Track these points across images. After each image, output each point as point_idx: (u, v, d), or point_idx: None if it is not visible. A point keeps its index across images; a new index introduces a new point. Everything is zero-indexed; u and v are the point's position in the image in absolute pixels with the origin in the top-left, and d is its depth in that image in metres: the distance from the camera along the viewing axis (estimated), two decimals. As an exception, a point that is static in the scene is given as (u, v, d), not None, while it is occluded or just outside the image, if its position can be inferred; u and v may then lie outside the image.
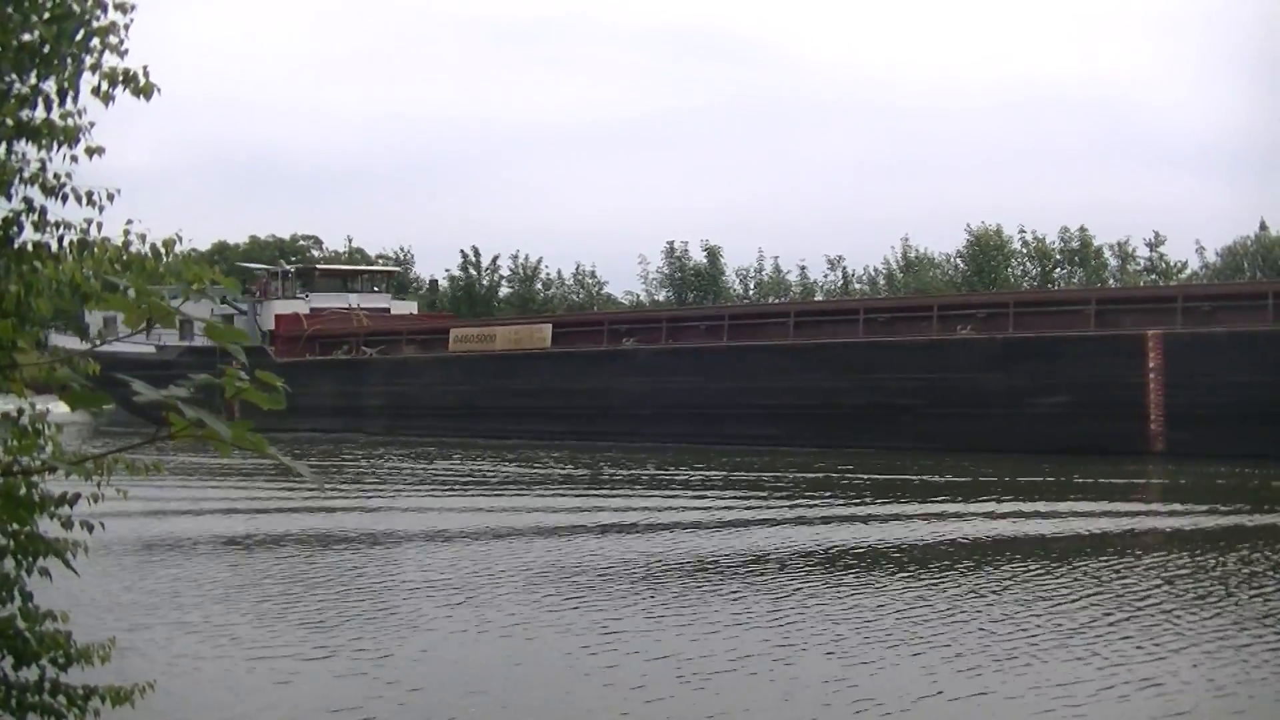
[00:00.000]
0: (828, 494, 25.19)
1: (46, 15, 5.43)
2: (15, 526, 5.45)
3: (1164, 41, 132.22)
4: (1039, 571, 16.04)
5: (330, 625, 13.32)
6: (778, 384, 35.58)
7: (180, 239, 5.82)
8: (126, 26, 5.67)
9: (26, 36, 5.44)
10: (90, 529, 6.03)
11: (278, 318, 50.93)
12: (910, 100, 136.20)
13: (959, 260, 71.30)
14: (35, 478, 5.37)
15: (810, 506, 22.98)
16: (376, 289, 56.19)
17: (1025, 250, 70.04)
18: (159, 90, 5.76)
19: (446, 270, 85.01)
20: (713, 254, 75.20)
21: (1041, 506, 22.69)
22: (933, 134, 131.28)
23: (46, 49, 5.48)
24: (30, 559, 5.55)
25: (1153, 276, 68.46)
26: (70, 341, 54.03)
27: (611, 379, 38.98)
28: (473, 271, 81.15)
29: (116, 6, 5.59)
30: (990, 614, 13.59)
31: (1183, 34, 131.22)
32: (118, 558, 17.16)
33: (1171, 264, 69.72)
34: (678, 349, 38.88)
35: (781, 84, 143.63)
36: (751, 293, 75.31)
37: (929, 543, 18.62)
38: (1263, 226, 71.35)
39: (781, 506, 23.03)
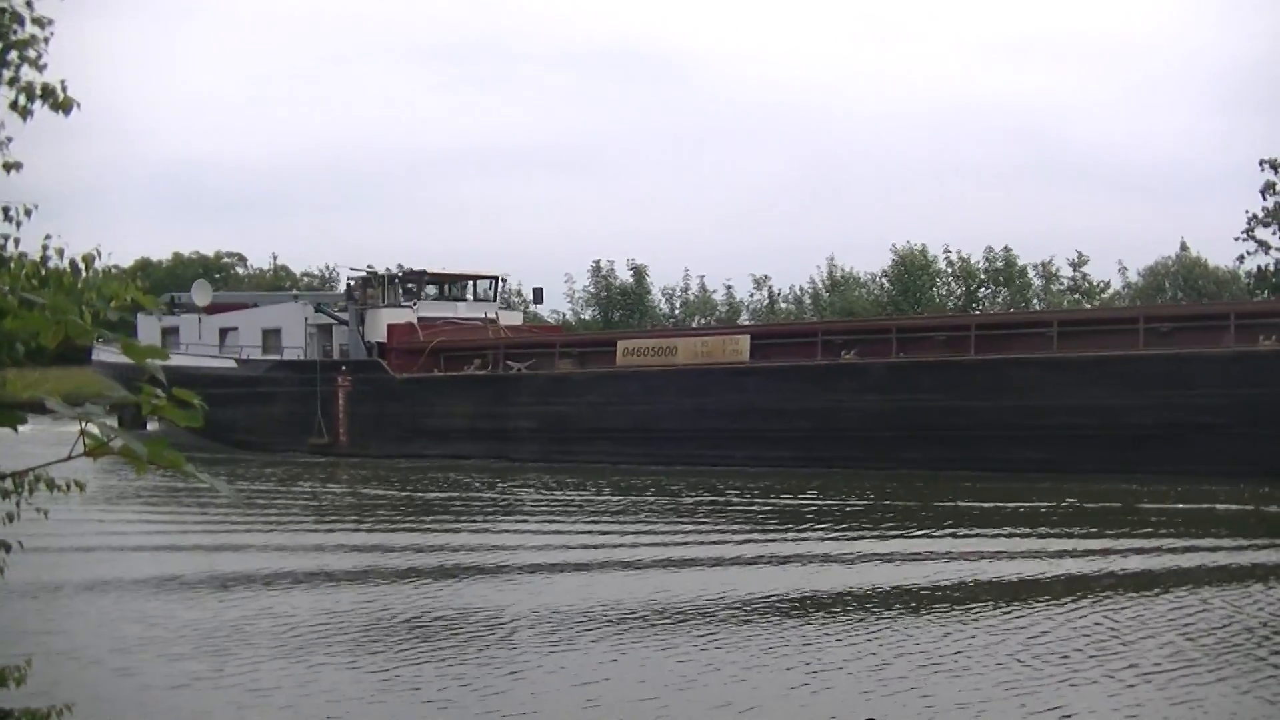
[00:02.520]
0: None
1: (-37, 30, 5.35)
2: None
3: (1092, 66, 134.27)
4: None
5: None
6: (1045, 401, 31.87)
7: (100, 254, 5.75)
8: (46, 40, 5.60)
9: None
10: (8, 549, 5.92)
11: (390, 328, 44.37)
12: (838, 121, 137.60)
13: (884, 280, 71.89)
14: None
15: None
16: (482, 297, 49.00)
17: (950, 270, 70.82)
18: (79, 105, 5.70)
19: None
20: (639, 273, 75.46)
21: None
22: (860, 155, 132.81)
23: (-37, 63, 5.40)
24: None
25: (1076, 296, 69.52)
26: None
27: (836, 397, 34.75)
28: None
29: (34, 21, 5.53)
30: None
31: (1111, 60, 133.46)
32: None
33: (1095, 284, 70.86)
34: (917, 363, 34.42)
35: (707, 105, 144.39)
36: (678, 312, 75.54)
37: None
38: (1183, 247, 73.03)
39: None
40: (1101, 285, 71.50)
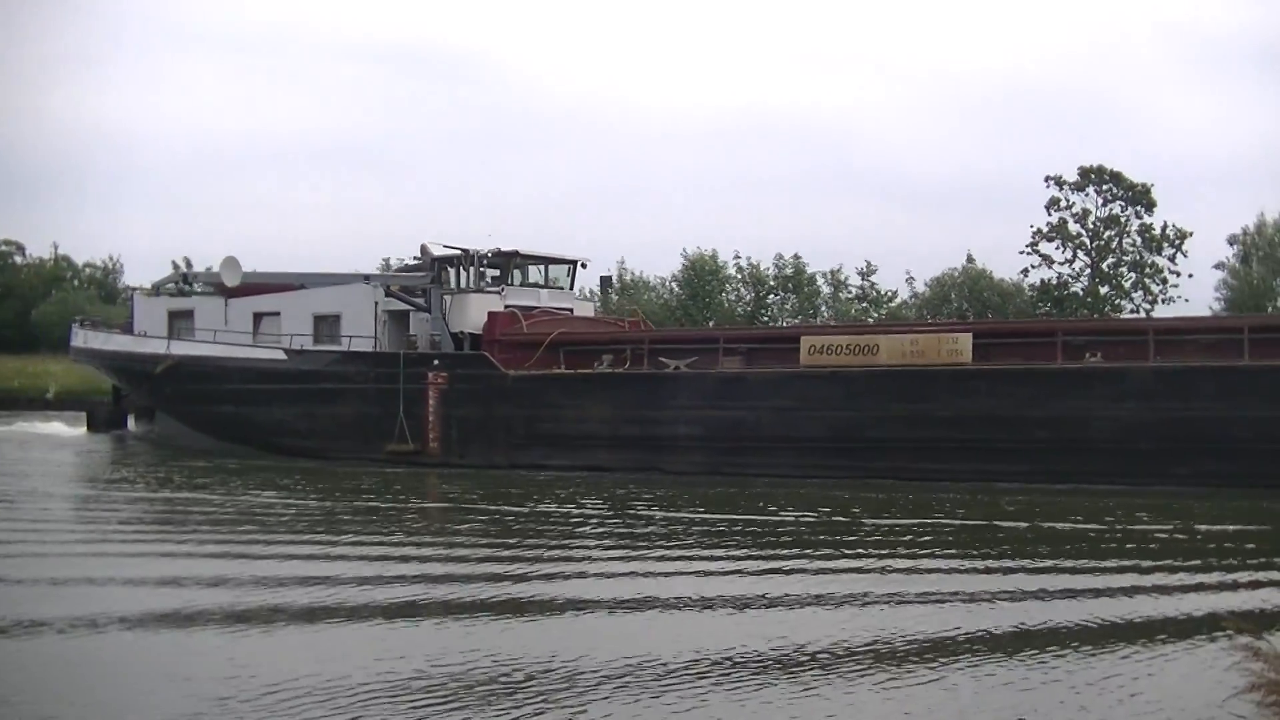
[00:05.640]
0: None
1: None
2: None
3: (888, 84, 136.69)
4: None
5: None
6: None
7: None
8: None
9: None
10: None
11: (491, 317, 38.52)
12: (633, 127, 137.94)
13: (674, 284, 71.91)
14: None
15: None
16: (558, 284, 43.09)
17: (740, 276, 71.15)
18: None
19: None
20: None
21: None
22: (653, 161, 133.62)
23: None
24: None
25: (864, 305, 70.51)
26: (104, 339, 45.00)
27: (1086, 405, 31.42)
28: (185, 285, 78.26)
29: None
30: None
31: (908, 79, 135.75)
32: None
33: (883, 292, 72.09)
34: (1187, 369, 31.07)
35: (502, 108, 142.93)
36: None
37: None
38: (969, 259, 75.05)
39: None
40: (890, 294, 72.70)
